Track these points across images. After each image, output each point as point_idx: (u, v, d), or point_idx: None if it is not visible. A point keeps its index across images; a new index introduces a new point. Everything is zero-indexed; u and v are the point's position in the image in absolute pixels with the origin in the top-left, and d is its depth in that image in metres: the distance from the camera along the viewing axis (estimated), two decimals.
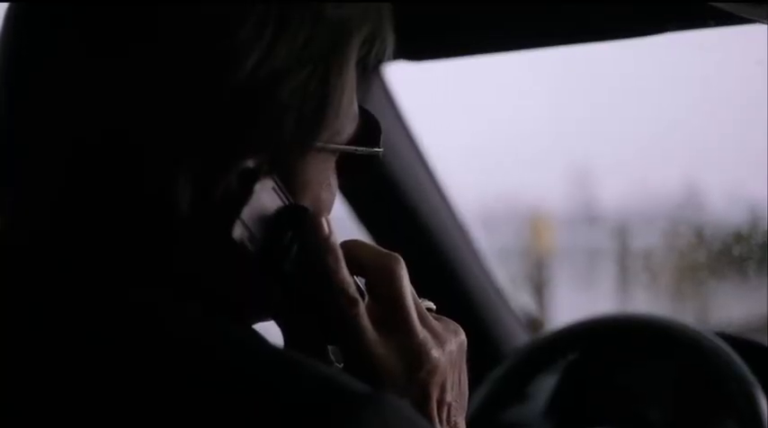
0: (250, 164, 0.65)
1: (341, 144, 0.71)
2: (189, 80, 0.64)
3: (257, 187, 0.66)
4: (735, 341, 1.26)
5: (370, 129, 0.74)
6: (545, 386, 1.42)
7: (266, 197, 0.67)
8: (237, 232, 0.65)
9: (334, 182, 0.72)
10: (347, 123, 0.71)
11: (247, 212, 0.66)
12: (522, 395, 1.42)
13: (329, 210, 0.72)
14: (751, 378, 1.19)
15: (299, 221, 0.68)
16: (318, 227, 0.68)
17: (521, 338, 1.68)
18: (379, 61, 0.73)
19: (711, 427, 1.24)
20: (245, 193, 0.66)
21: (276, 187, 0.67)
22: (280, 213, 0.68)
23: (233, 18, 0.64)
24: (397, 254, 0.72)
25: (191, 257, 0.67)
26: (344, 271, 0.69)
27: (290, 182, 0.68)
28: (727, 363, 1.21)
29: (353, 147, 0.72)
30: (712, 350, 1.24)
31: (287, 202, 0.68)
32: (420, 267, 1.54)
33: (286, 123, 0.66)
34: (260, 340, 0.65)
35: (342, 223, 1.66)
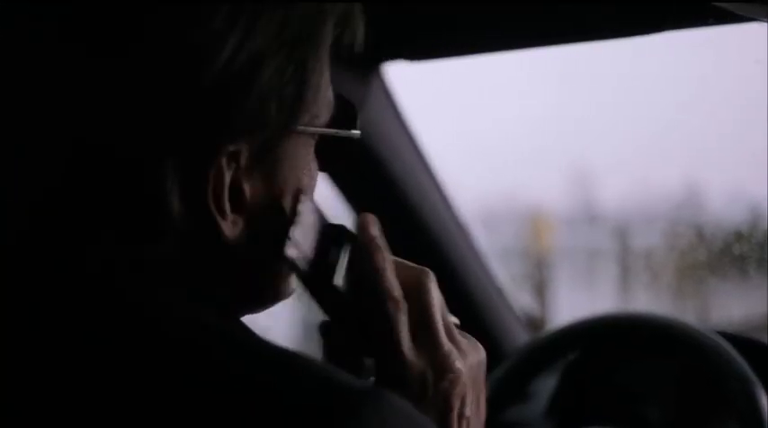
0: (232, 148, 0.66)
1: (320, 128, 0.72)
2: (166, 75, 0.64)
3: (302, 207, 0.69)
4: (735, 339, 1.26)
5: (345, 112, 0.75)
6: (545, 385, 1.42)
7: (309, 215, 0.70)
8: (291, 252, 0.68)
9: (314, 166, 0.73)
10: (324, 107, 0.72)
11: (297, 232, 0.69)
12: (523, 394, 1.42)
13: (311, 196, 0.73)
14: (752, 376, 1.19)
15: (345, 234, 0.72)
16: (367, 227, 0.71)
17: (521, 338, 1.68)
18: (352, 45, 0.73)
19: (712, 426, 1.24)
20: (293, 214, 0.68)
21: (315, 206, 0.71)
22: (326, 229, 0.72)
23: (204, 9, 0.64)
24: (426, 268, 0.75)
25: (186, 255, 0.67)
26: (391, 272, 0.72)
27: (273, 169, 0.69)
28: (727, 362, 1.21)
29: (333, 130, 0.73)
30: (713, 348, 1.23)
31: (327, 220, 0.72)
32: (421, 267, 1.54)
33: (267, 108, 0.66)
34: (257, 339, 0.66)
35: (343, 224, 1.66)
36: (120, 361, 0.62)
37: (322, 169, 0.75)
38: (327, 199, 1.62)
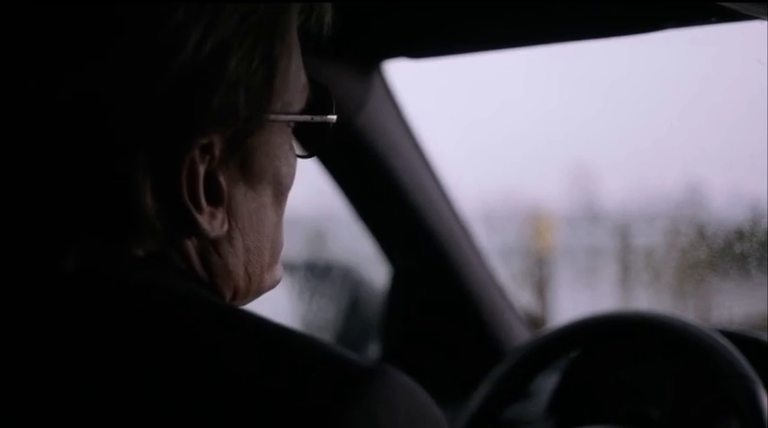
0: (204, 141, 0.65)
1: (294, 115, 0.71)
2: (130, 72, 0.63)
3: None
4: (736, 337, 1.26)
5: (321, 97, 0.74)
6: (546, 384, 1.42)
7: None
8: None
9: (292, 155, 0.73)
10: (297, 94, 0.71)
11: None
12: (524, 393, 1.42)
13: (291, 184, 0.73)
14: (752, 374, 1.19)
15: None
16: None
17: (522, 336, 1.68)
18: (320, 28, 0.73)
19: (713, 424, 1.24)
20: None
21: None
22: None
23: (166, 3, 0.64)
24: None
25: (165, 251, 0.67)
26: None
27: (249, 158, 0.68)
28: (728, 360, 1.21)
29: (307, 116, 0.72)
30: (714, 346, 1.24)
31: None
32: (422, 265, 1.54)
33: (237, 98, 0.66)
34: (258, 318, 0.65)
35: (343, 222, 1.66)
36: (107, 353, 0.62)
37: (309, 154, 0.75)
38: (327, 196, 1.63)
